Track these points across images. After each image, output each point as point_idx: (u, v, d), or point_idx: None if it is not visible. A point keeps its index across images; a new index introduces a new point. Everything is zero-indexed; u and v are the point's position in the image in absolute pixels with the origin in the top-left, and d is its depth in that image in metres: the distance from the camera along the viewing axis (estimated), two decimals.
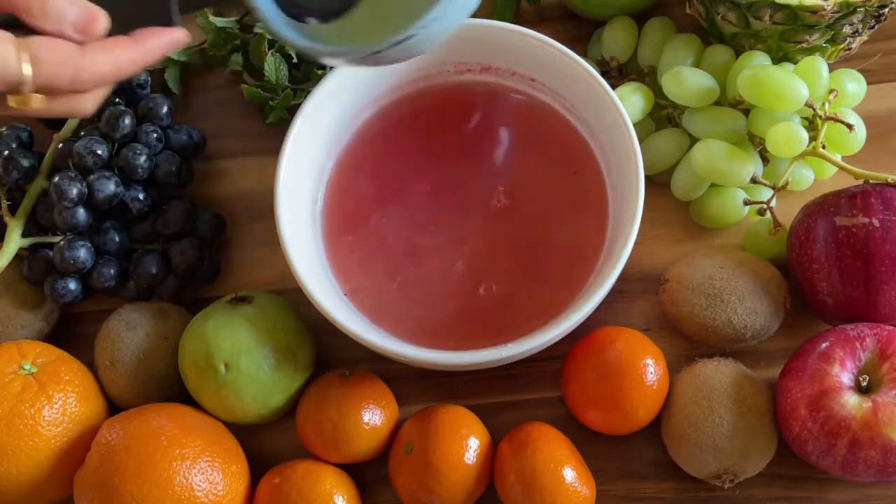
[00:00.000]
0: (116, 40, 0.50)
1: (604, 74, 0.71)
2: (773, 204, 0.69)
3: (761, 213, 0.70)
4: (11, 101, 0.48)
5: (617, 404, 0.64)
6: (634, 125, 0.65)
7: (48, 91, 0.48)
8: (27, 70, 0.46)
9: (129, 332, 0.68)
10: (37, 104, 0.48)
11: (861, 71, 0.72)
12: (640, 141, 0.65)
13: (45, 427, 0.63)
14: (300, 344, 0.67)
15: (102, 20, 0.50)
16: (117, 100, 0.73)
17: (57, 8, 0.48)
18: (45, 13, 0.48)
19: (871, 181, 0.66)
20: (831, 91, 0.69)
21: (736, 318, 0.65)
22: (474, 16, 0.78)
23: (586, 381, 0.65)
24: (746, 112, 0.71)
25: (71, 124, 0.73)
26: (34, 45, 0.47)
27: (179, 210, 0.72)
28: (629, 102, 0.71)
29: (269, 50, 0.75)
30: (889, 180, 0.65)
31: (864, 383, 0.60)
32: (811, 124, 0.69)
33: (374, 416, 0.65)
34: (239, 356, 0.64)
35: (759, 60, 0.70)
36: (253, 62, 0.77)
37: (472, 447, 0.64)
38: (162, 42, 0.52)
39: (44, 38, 0.48)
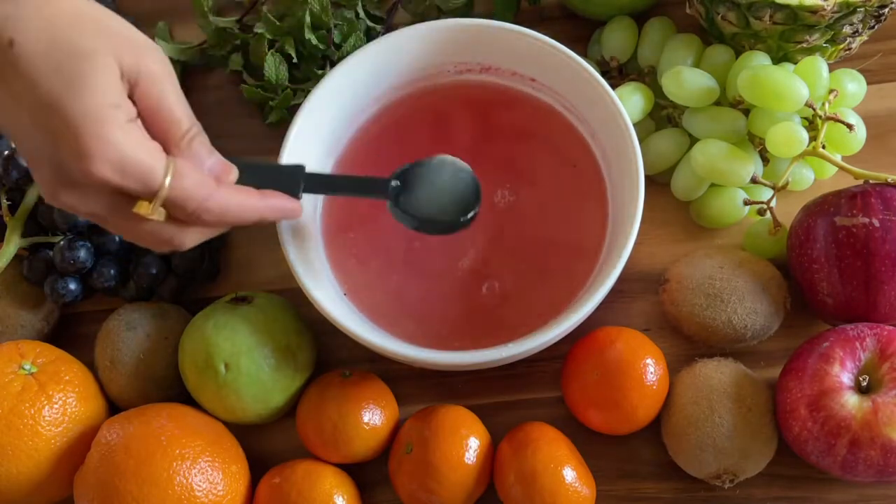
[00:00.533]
0: (247, 188, 0.55)
1: (604, 74, 0.71)
2: (773, 204, 0.69)
3: (761, 213, 0.70)
4: (139, 207, 0.50)
5: (617, 404, 0.64)
6: (634, 125, 0.65)
7: (175, 208, 0.51)
8: (168, 181, 0.50)
9: (129, 332, 0.68)
10: (158, 217, 0.51)
11: (861, 71, 0.72)
12: (640, 141, 0.65)
13: (45, 427, 0.63)
14: (300, 344, 0.67)
15: (235, 174, 0.55)
16: None
17: (199, 152, 0.53)
18: (190, 151, 0.53)
19: (871, 181, 0.66)
20: (831, 91, 0.69)
21: (736, 318, 0.65)
22: (475, 16, 0.79)
23: (586, 381, 0.65)
24: (746, 112, 0.71)
25: None
26: (180, 162, 0.51)
27: None
28: (629, 102, 0.71)
29: (269, 50, 0.75)
30: (889, 180, 0.65)
31: (864, 383, 0.60)
32: (811, 124, 0.69)
33: (374, 416, 0.65)
34: (239, 356, 0.64)
35: (759, 60, 0.70)
36: (253, 62, 0.77)
37: (472, 447, 0.64)
38: (283, 204, 0.57)
39: (188, 162, 0.52)
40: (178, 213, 0.52)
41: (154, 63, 0.52)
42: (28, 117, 0.48)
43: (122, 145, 0.48)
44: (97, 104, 0.48)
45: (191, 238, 0.54)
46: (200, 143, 0.54)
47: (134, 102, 0.51)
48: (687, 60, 0.73)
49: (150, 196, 0.50)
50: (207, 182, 0.52)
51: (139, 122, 0.51)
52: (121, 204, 0.51)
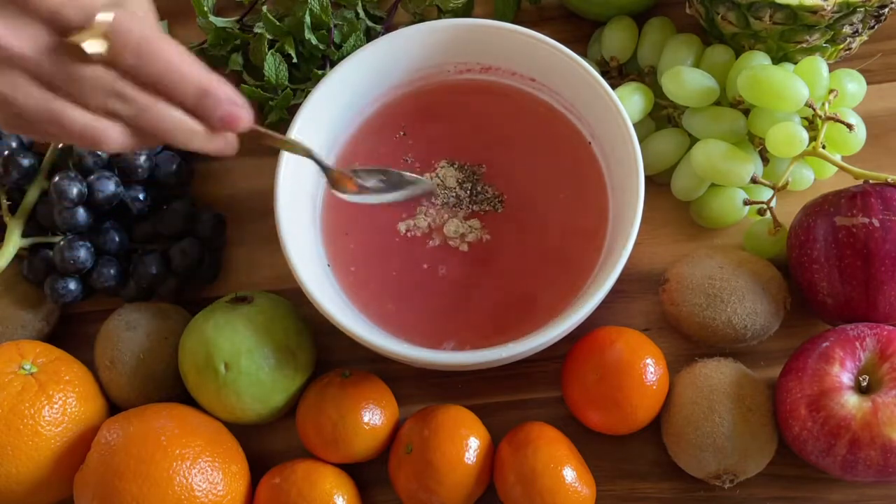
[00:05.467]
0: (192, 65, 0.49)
1: (604, 74, 0.71)
2: (773, 204, 0.69)
3: (761, 213, 0.70)
4: (78, 35, 0.46)
5: (617, 404, 0.64)
6: (634, 125, 0.65)
7: (113, 47, 0.46)
8: (113, 13, 0.45)
9: (129, 332, 0.68)
10: (98, 48, 0.46)
11: (861, 71, 0.72)
12: (640, 141, 0.65)
13: (45, 427, 0.63)
14: (300, 344, 0.67)
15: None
16: None
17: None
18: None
19: (871, 181, 0.66)
20: (831, 91, 0.69)
21: (736, 318, 0.65)
22: (475, 16, 0.79)
23: (586, 381, 0.65)
24: (746, 112, 0.71)
25: None
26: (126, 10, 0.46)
27: (179, 210, 0.72)
28: (629, 102, 0.71)
29: (269, 50, 0.75)
30: (889, 180, 0.65)
31: (864, 383, 0.60)
32: (811, 124, 0.69)
33: (374, 416, 0.65)
34: (239, 356, 0.64)
35: (759, 60, 0.70)
36: (253, 62, 0.77)
37: (472, 447, 0.64)
38: (234, 95, 0.50)
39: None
40: (118, 55, 0.46)
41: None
42: None
43: None
44: None
45: (111, 131, 0.48)
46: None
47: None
48: (687, 60, 0.73)
49: (90, 26, 0.45)
50: (156, 27, 0.47)
51: None
52: (55, 45, 0.46)
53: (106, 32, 0.46)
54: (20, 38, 0.45)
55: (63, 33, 0.46)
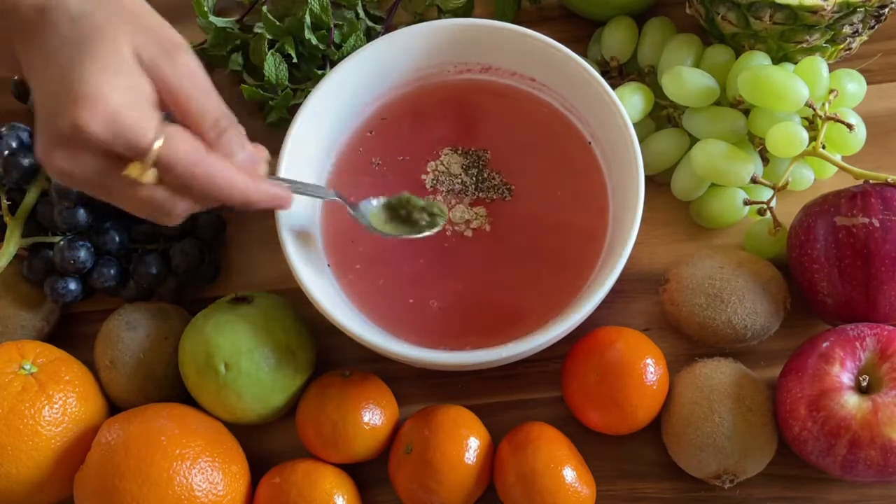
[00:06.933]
0: (240, 170, 0.54)
1: (604, 74, 0.71)
2: (773, 204, 0.69)
3: (761, 213, 0.70)
4: (130, 169, 0.51)
5: (617, 404, 0.64)
6: (634, 125, 0.65)
7: (164, 171, 0.51)
8: (159, 143, 0.50)
9: (129, 332, 0.68)
10: (148, 179, 0.51)
11: (861, 71, 0.72)
12: (640, 141, 0.65)
13: (45, 427, 0.63)
14: (300, 344, 0.67)
15: (264, 168, 0.56)
16: None
17: (230, 144, 0.54)
18: (219, 143, 0.54)
19: (871, 181, 0.66)
20: (831, 91, 0.69)
21: (736, 318, 0.65)
22: (475, 16, 0.79)
23: (586, 381, 0.65)
24: (746, 112, 0.71)
25: None
26: (172, 128, 0.51)
27: None
28: (629, 102, 0.71)
29: (269, 50, 0.75)
30: (889, 180, 0.65)
31: (864, 383, 0.60)
32: (811, 124, 0.69)
33: (374, 416, 0.65)
34: (239, 356, 0.64)
35: (759, 60, 0.70)
36: (253, 62, 0.77)
37: (472, 447, 0.64)
38: (274, 190, 0.56)
39: (182, 128, 0.52)
40: (167, 177, 0.52)
41: (179, 56, 0.53)
42: (44, 74, 0.51)
43: (115, 103, 0.49)
44: (100, 68, 0.49)
45: (181, 207, 0.54)
46: (231, 136, 0.54)
47: (160, 95, 0.52)
48: (687, 60, 0.73)
49: (140, 158, 0.50)
50: (198, 148, 0.52)
51: (148, 95, 0.51)
52: (112, 167, 0.51)
53: (154, 161, 0.50)
54: (79, 166, 0.51)
55: (117, 162, 0.51)
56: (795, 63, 0.71)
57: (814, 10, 0.66)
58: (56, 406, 0.64)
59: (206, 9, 0.77)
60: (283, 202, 0.58)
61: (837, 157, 0.69)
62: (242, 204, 0.55)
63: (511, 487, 0.63)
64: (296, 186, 0.61)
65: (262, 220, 0.73)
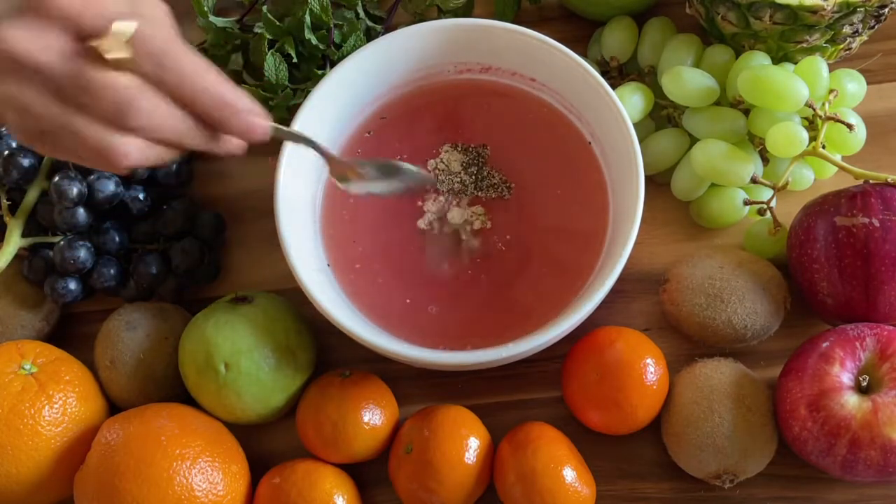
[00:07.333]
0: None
1: (604, 74, 0.71)
2: (773, 204, 0.69)
3: (761, 213, 0.70)
4: (103, 41, 0.46)
5: (617, 404, 0.64)
6: (634, 125, 0.65)
7: (139, 46, 0.46)
8: (135, 23, 0.46)
9: (129, 332, 0.68)
10: (124, 53, 0.46)
11: (861, 71, 0.72)
12: (640, 141, 0.65)
13: (45, 427, 0.63)
14: (300, 344, 0.67)
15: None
16: None
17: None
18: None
19: (871, 181, 0.66)
20: (831, 91, 0.69)
21: (736, 318, 0.65)
22: (475, 16, 0.79)
23: (586, 381, 0.65)
24: (746, 112, 0.71)
25: None
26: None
27: (179, 210, 0.72)
28: (629, 102, 0.71)
29: (269, 50, 0.75)
30: (889, 180, 0.65)
31: (864, 383, 0.60)
32: (811, 124, 0.69)
33: (374, 416, 0.65)
34: (239, 356, 0.64)
35: (759, 60, 0.70)
36: (253, 62, 0.77)
37: (472, 447, 0.64)
38: (250, 102, 0.51)
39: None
40: (140, 56, 0.46)
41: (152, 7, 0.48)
42: None
43: None
44: None
45: (145, 112, 0.47)
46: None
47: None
48: (687, 60, 0.73)
49: (110, 35, 0.46)
50: (176, 37, 0.48)
51: None
52: (75, 51, 0.46)
53: (128, 40, 0.46)
54: (40, 44, 0.45)
55: (83, 39, 0.46)
56: (795, 63, 0.71)
57: (814, 10, 0.66)
58: (56, 406, 0.64)
59: (206, 9, 0.77)
60: (258, 119, 0.51)
61: (837, 157, 0.69)
62: (216, 114, 0.49)
63: (511, 487, 0.63)
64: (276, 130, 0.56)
65: (262, 220, 0.73)
